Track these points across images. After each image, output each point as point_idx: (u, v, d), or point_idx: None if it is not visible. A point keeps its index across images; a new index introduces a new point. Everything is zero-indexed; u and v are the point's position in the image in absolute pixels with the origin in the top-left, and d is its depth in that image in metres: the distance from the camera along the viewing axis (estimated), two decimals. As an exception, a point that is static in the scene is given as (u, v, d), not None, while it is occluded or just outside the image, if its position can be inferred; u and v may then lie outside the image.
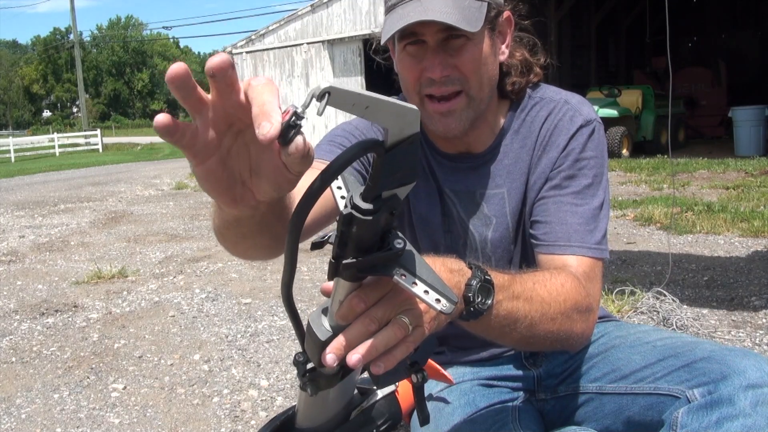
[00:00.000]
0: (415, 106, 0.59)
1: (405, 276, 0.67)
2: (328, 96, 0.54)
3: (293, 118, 0.56)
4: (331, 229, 0.72)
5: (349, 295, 0.70)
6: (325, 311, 0.76)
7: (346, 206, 0.64)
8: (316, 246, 0.72)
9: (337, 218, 0.66)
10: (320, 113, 0.55)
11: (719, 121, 15.10)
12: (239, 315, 3.89)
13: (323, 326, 0.74)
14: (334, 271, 0.69)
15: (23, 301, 4.46)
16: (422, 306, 0.74)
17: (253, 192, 0.65)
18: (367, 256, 0.66)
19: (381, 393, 0.99)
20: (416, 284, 0.67)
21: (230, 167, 0.64)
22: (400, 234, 0.67)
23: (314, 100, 0.55)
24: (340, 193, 0.74)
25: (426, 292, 0.67)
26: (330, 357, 0.70)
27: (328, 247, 0.76)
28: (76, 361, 3.28)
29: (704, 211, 6.15)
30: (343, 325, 0.71)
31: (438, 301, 0.67)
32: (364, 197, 0.63)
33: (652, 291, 3.66)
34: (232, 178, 0.64)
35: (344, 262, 0.66)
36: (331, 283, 0.75)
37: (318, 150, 1.20)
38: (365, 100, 0.56)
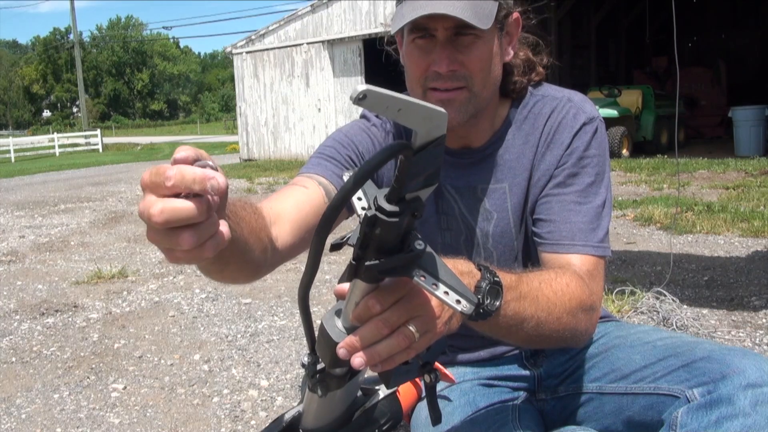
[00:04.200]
0: (443, 109, 0.59)
1: (425, 277, 0.67)
2: (365, 97, 0.55)
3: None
4: (350, 231, 0.72)
5: (366, 297, 0.71)
6: (338, 313, 0.76)
7: (370, 208, 0.65)
8: (335, 247, 0.73)
9: (360, 220, 0.67)
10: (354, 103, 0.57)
11: (719, 121, 15.10)
12: (239, 315, 3.89)
13: (337, 327, 0.75)
14: (353, 273, 0.69)
15: (23, 301, 4.47)
16: (436, 310, 0.75)
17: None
18: (390, 257, 0.66)
19: (383, 393, 0.99)
20: (436, 285, 0.68)
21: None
22: (419, 235, 0.68)
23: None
24: (356, 194, 0.75)
25: (446, 293, 0.68)
26: (342, 351, 0.72)
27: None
28: (76, 361, 3.28)
29: (704, 211, 6.15)
30: (357, 326, 0.72)
31: (458, 302, 0.68)
32: (389, 199, 0.63)
33: (652, 291, 3.66)
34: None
35: (367, 263, 0.66)
36: (345, 285, 0.75)
37: (307, 165, 1.22)
38: (398, 103, 0.57)
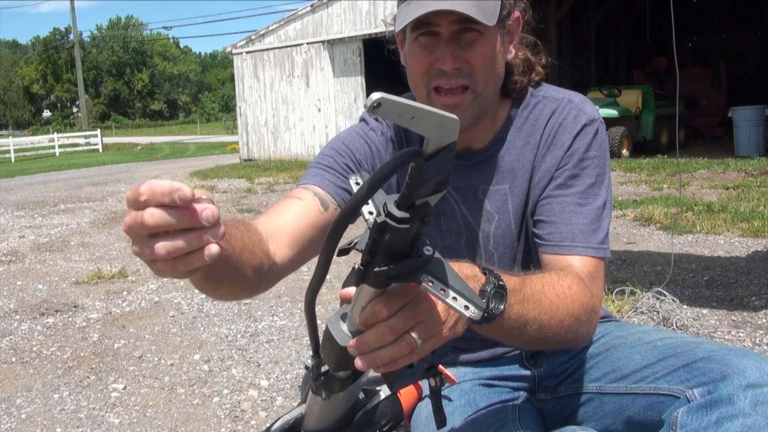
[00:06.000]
0: (455, 116, 0.59)
1: (433, 283, 0.68)
2: (379, 106, 0.56)
3: None
4: (357, 236, 0.72)
5: (373, 301, 0.71)
6: (343, 317, 0.77)
7: (379, 214, 0.65)
8: (343, 252, 0.73)
9: (368, 226, 0.67)
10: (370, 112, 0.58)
11: (719, 121, 15.10)
12: (239, 315, 3.89)
13: (342, 331, 0.75)
14: (361, 278, 0.70)
15: (23, 301, 4.47)
16: (442, 315, 0.75)
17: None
18: (398, 263, 0.66)
19: (384, 393, 0.99)
20: (445, 291, 0.68)
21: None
22: (427, 241, 0.68)
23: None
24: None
25: (455, 298, 0.68)
26: (351, 349, 0.73)
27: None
28: (76, 361, 3.28)
29: (704, 211, 6.15)
30: (363, 330, 0.72)
31: (466, 307, 0.68)
32: (399, 205, 0.63)
33: (652, 291, 3.66)
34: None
35: (376, 269, 0.67)
36: (351, 290, 0.76)
37: (305, 176, 1.23)
38: (411, 111, 0.57)
